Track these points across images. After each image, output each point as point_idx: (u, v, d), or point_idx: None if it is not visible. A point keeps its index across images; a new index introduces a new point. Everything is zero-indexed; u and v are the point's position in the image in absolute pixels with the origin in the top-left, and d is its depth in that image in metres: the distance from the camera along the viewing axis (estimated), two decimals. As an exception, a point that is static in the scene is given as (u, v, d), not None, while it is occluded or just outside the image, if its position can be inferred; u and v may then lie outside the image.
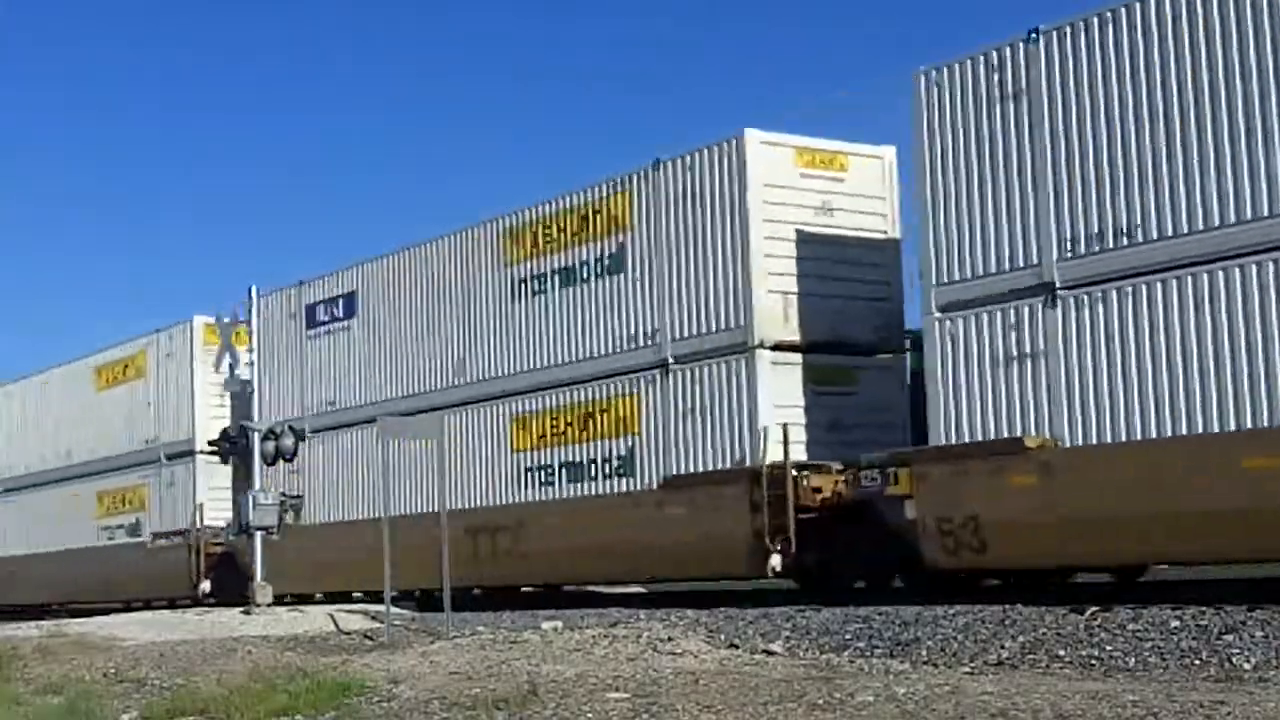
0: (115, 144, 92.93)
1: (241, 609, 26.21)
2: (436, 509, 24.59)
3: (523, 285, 23.32)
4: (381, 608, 21.35)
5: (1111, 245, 15.82)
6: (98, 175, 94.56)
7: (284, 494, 28.31)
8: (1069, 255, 16.17)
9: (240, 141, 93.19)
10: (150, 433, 32.88)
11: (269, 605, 26.20)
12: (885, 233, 20.72)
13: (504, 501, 23.42)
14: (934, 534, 16.92)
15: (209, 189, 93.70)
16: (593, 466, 21.86)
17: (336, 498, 27.24)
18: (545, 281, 22.88)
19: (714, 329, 20.14)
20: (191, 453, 31.24)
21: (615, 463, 21.50)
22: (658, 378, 20.92)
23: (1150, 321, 15.44)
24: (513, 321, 23.47)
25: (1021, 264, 16.60)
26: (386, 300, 26.30)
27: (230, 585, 29.24)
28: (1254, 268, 14.71)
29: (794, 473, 18.69)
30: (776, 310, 19.73)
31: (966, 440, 16.95)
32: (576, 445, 22.14)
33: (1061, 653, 13.19)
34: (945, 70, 17.46)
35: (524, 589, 26.88)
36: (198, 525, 30.61)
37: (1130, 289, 15.62)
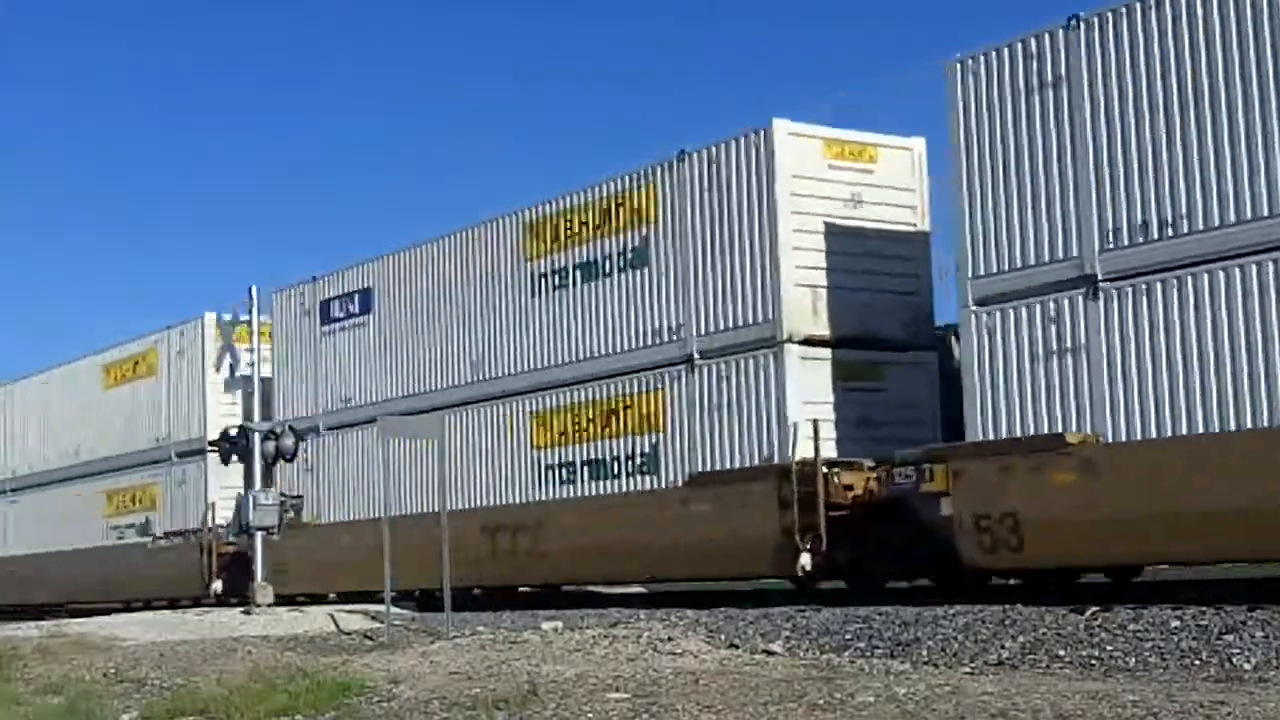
0: (115, 144, 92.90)
1: (242, 609, 26.14)
2: (455, 506, 24.40)
3: (543, 280, 22.95)
4: (383, 608, 21.13)
5: (1156, 236, 15.45)
6: (98, 175, 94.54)
7: (284, 494, 28.15)
8: (1111, 247, 15.81)
9: (240, 141, 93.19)
10: (160, 431, 32.50)
11: (269, 605, 26.13)
12: (914, 226, 20.34)
13: (523, 500, 23.06)
14: (971, 531, 16.56)
15: (209, 189, 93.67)
16: (615, 464, 21.49)
17: (351, 496, 26.84)
18: (566, 276, 22.51)
19: (741, 323, 19.77)
20: (203, 451, 30.78)
21: (638, 460, 21.13)
22: (682, 373, 20.55)
23: (1197, 314, 15.07)
24: (533, 317, 23.10)
25: (1061, 256, 16.24)
26: (403, 296, 25.93)
27: (243, 585, 28.85)
28: (1305, 258, 14.39)
29: (825, 469, 18.31)
30: (805, 304, 19.37)
31: (1004, 436, 16.59)
32: (598, 442, 21.77)
33: (1061, 653, 13.14)
34: (980, 59, 17.11)
35: (522, 589, 26.58)
36: (209, 524, 30.24)
37: (1175, 281, 15.25)
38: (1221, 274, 14.90)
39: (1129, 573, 18.20)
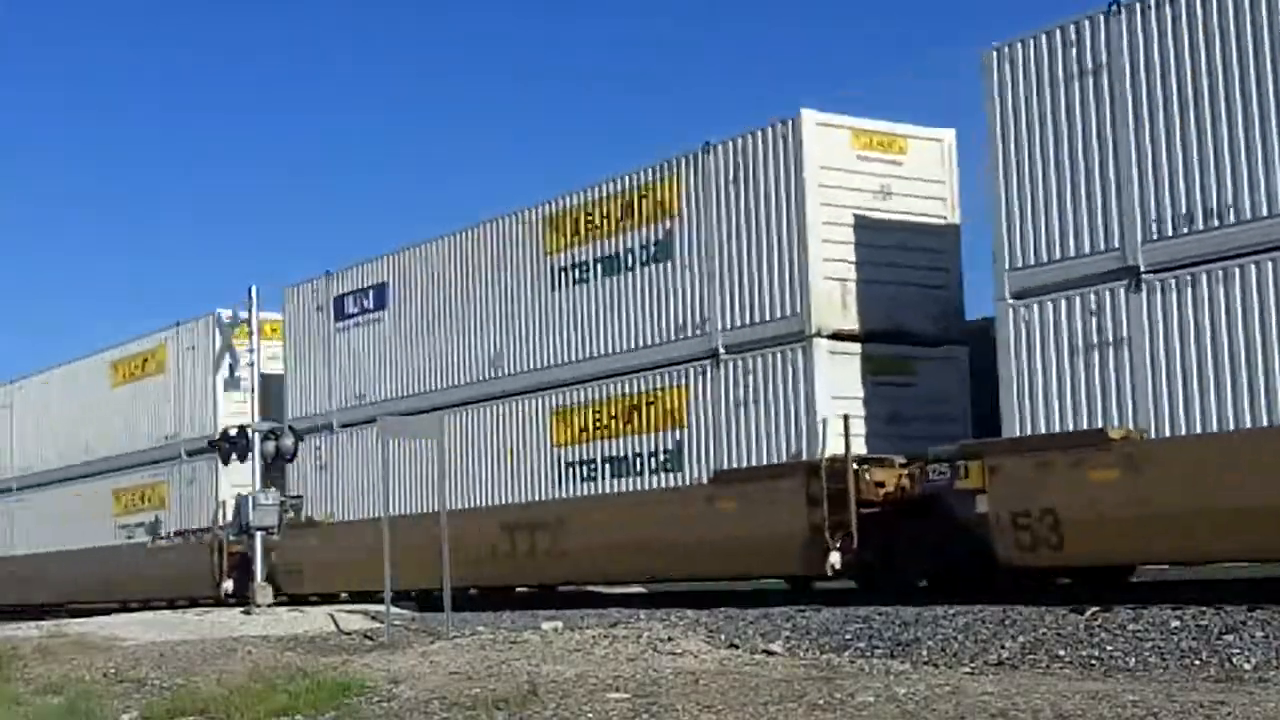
0: (115, 144, 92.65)
1: (242, 609, 25.96)
2: (462, 506, 24.02)
3: (563, 274, 22.58)
4: (383, 608, 20.99)
5: (1201, 226, 15.10)
6: (98, 175, 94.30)
7: (283, 494, 28.05)
8: (1154, 237, 15.45)
9: (240, 141, 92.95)
10: (169, 428, 32.15)
11: (269, 605, 26.04)
12: (944, 218, 19.97)
13: (543, 497, 22.69)
14: (1008, 529, 16.20)
15: (209, 189, 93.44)
16: (638, 461, 21.12)
17: (366, 494, 26.44)
18: (588, 270, 22.14)
19: (768, 317, 19.41)
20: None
21: (662, 456, 20.76)
22: (707, 368, 20.18)
23: (1243, 306, 14.71)
24: (553, 312, 22.73)
25: (1102, 247, 15.88)
26: (419, 291, 25.55)
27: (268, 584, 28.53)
28: (1357, 249, 14.04)
29: (855, 466, 17.94)
30: (834, 298, 19.01)
31: (1042, 432, 16.23)
32: (620, 439, 21.39)
33: (1061, 653, 13.09)
34: (1018, 47, 16.74)
35: (540, 588, 26.23)
36: (219, 523, 29.88)
37: (1221, 272, 14.89)
38: (1270, 264, 14.54)
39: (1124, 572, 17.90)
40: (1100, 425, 15.68)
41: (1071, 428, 15.98)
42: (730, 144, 19.98)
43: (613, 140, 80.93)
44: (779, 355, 19.21)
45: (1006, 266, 16.66)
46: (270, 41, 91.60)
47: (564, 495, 22.29)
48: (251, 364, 29.09)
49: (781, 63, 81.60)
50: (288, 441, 27.73)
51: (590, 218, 22.11)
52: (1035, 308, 16.40)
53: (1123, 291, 15.66)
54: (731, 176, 19.89)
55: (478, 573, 24.19)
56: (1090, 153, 16.02)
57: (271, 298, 30.61)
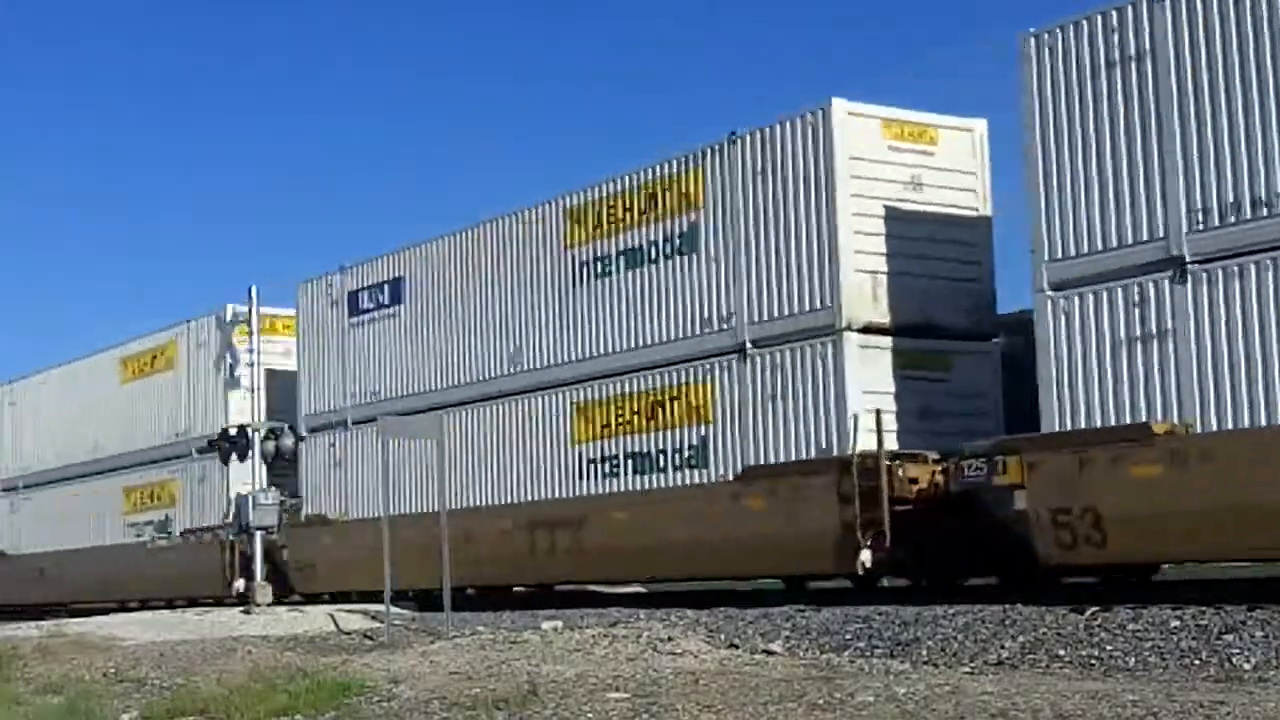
0: (115, 144, 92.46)
1: (242, 609, 25.88)
2: (480, 504, 23.66)
3: (585, 268, 22.19)
4: (376, 607, 21.06)
5: (1249, 216, 14.72)
6: (98, 175, 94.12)
7: (284, 496, 27.86)
8: (1200, 227, 15.07)
9: (240, 141, 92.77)
10: (180, 426, 31.75)
11: (269, 605, 26.02)
12: (976, 210, 19.60)
13: (563, 495, 22.31)
14: (1048, 526, 15.80)
15: (209, 189, 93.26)
16: (661, 457, 20.74)
17: (380, 492, 25.99)
18: (610, 263, 21.75)
19: (797, 310, 19.03)
20: (224, 446, 30.04)
21: (687, 453, 20.38)
22: (733, 363, 19.81)
23: (1294, 296, 14.35)
24: (574, 306, 22.34)
25: (1145, 237, 15.50)
26: (436, 286, 25.17)
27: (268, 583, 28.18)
28: None
29: (888, 462, 17.56)
30: (865, 290, 18.63)
31: (1083, 426, 15.85)
32: (644, 435, 21.00)
33: (1061, 653, 13.06)
34: (1056, 33, 16.36)
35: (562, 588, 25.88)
36: (229, 521, 29.47)
37: (1270, 262, 14.51)
38: (1321, 255, 14.18)
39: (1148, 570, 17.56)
40: (1143, 420, 15.30)
41: (1113, 422, 15.60)
42: (758, 134, 19.60)
43: (613, 140, 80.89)
44: (808, 349, 18.84)
45: (1045, 258, 16.28)
46: (270, 41, 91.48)
47: (585, 492, 21.91)
48: (252, 363, 28.90)
49: (781, 63, 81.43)
50: (288, 441, 27.73)
51: (612, 210, 21.73)
52: (1075, 300, 16.02)
53: (1167, 283, 15.28)
54: (759, 167, 19.51)
55: (496, 571, 23.88)
56: (1133, 141, 15.64)
57: (278, 296, 30.42)
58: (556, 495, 22.38)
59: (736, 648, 15.23)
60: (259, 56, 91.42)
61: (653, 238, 21.06)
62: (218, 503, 30.19)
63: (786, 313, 19.16)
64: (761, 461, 19.36)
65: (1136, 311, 15.51)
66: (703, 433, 20.15)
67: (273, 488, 28.27)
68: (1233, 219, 14.81)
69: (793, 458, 18.98)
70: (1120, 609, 13.99)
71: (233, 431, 28.42)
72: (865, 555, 17.72)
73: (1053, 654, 13.13)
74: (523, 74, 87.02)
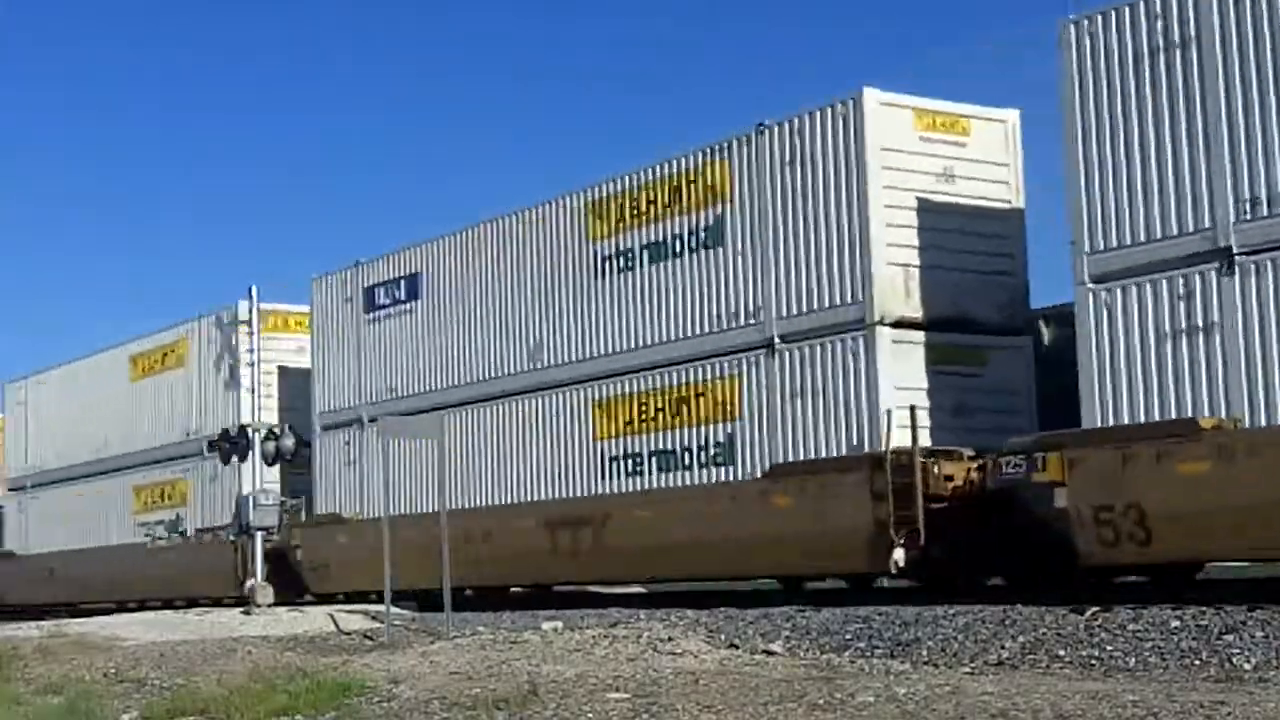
0: (115, 144, 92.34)
1: (242, 609, 25.84)
2: (499, 502, 23.30)
3: (607, 262, 21.80)
4: (383, 608, 20.93)
5: (1299, 205, 14.35)
6: (98, 175, 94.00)
7: (284, 496, 27.72)
8: (1248, 218, 14.70)
9: (240, 141, 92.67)
10: (192, 424, 31.36)
11: (269, 605, 25.99)
12: (1009, 202, 19.21)
13: (583, 493, 21.92)
14: (1090, 525, 15.42)
15: (209, 189, 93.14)
16: (686, 454, 20.35)
17: (397, 490, 25.63)
18: (633, 257, 21.36)
19: (827, 304, 18.64)
20: (236, 444, 29.65)
21: (712, 450, 19.99)
22: (761, 358, 19.42)
23: (1347, 288, 13.97)
24: (596, 301, 21.96)
25: (1191, 228, 15.12)
26: (453, 281, 24.78)
27: (281, 584, 27.83)
28: None
29: (923, 459, 17.17)
30: (897, 284, 18.25)
31: (1126, 422, 15.46)
32: (668, 432, 20.62)
33: (1062, 653, 13.03)
34: (1098, 20, 15.99)
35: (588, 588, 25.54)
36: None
37: (1322, 253, 14.16)
38: (1376, 245, 13.80)
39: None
40: (1190, 415, 14.91)
41: (1157, 418, 15.22)
42: (786, 125, 19.22)
43: (613, 140, 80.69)
44: (838, 344, 18.46)
45: (1086, 250, 15.91)
46: (270, 41, 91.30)
47: (607, 490, 21.53)
48: (252, 363, 28.60)
49: (781, 62, 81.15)
50: (288, 441, 27.61)
51: (635, 203, 21.35)
52: (1118, 292, 15.66)
53: (1214, 274, 14.91)
54: (788, 158, 19.13)
55: (516, 571, 23.53)
56: (1178, 129, 15.26)
57: (291, 292, 30.09)
58: (578, 493, 22.00)
59: (736, 648, 15.17)
60: (259, 56, 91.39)
61: (677, 231, 20.67)
62: (230, 502, 29.80)
63: (816, 307, 18.78)
64: (790, 459, 18.97)
65: (1182, 305, 15.14)
66: (729, 429, 19.77)
67: (273, 488, 28.11)
68: (1282, 209, 14.45)
69: (822, 455, 18.60)
70: (1120, 609, 13.92)
71: (233, 432, 28.30)
72: (898, 554, 17.32)
73: (1053, 654, 13.06)
74: (523, 74, 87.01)
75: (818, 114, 18.83)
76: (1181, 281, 15.13)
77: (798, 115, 19.09)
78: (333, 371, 27.46)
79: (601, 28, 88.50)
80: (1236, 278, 14.71)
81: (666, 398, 20.70)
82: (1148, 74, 15.53)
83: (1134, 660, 12.49)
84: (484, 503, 23.66)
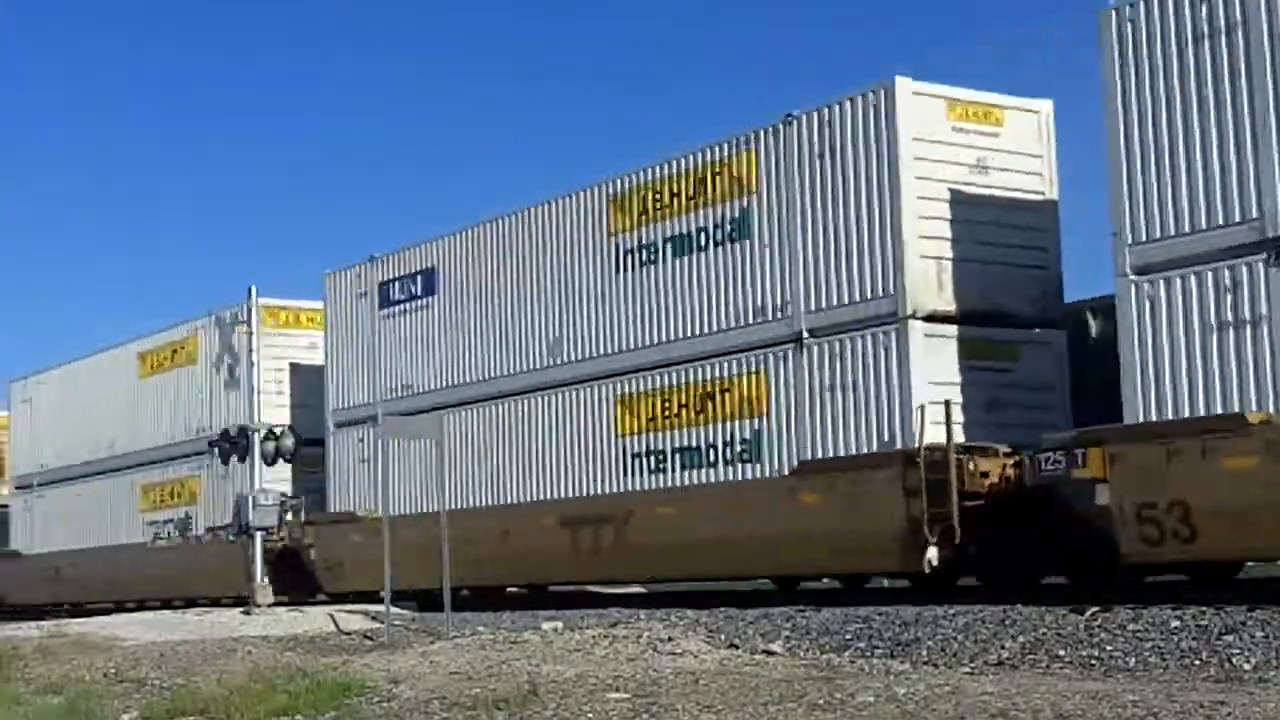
0: (115, 144, 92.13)
1: (242, 609, 25.76)
2: (518, 500, 22.95)
3: (629, 256, 21.45)
4: (382, 608, 20.88)
5: (1352, 195, 13.99)
6: (98, 175, 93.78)
7: (284, 495, 27.66)
8: (1298, 206, 14.34)
9: (240, 141, 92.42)
10: (203, 421, 30.97)
11: (269, 605, 25.90)
12: (1042, 193, 18.86)
13: (605, 490, 21.56)
14: (1131, 522, 15.06)
15: (209, 189, 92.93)
16: (712, 451, 19.99)
17: (413, 487, 25.30)
18: (656, 251, 21.01)
19: (857, 298, 18.29)
20: (248, 442, 29.29)
21: (739, 447, 19.63)
22: (789, 353, 19.06)
23: (1402, 279, 13.62)
24: (618, 295, 21.60)
25: (1238, 218, 14.75)
26: (471, 276, 24.42)
27: (293, 583, 27.50)
28: None
29: (958, 455, 16.81)
30: (930, 277, 17.89)
31: (1170, 416, 15.10)
32: (693, 428, 20.26)
33: (1061, 653, 13.03)
34: (1139, 6, 15.61)
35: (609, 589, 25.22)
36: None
37: (1376, 243, 13.81)
38: None
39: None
40: (1236, 409, 14.56)
41: (1202, 412, 14.86)
42: (815, 115, 18.86)
43: (613, 140, 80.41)
44: (869, 338, 18.11)
45: (1129, 241, 15.54)
46: (270, 41, 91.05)
47: (629, 488, 21.17)
48: (252, 363, 28.30)
49: (781, 62, 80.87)
50: (288, 441, 27.53)
51: (659, 196, 20.99)
52: (1161, 284, 15.28)
53: (1261, 266, 14.54)
54: (817, 149, 18.77)
55: (536, 570, 23.18)
56: (1224, 117, 14.89)
57: (303, 288, 29.74)
58: (599, 491, 21.64)
59: (737, 648, 15.14)
60: (259, 56, 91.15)
61: (702, 224, 20.33)
62: (240, 501, 29.44)
63: (846, 301, 18.43)
64: (817, 456, 18.62)
65: (1228, 297, 14.77)
66: (756, 426, 19.42)
67: (284, 487, 28.05)
68: (1334, 198, 14.09)
69: (851, 452, 18.26)
70: (1120, 609, 13.83)
71: (232, 432, 28.22)
72: (932, 552, 16.99)
73: (1053, 654, 13.01)
74: (523, 74, 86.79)
75: (848, 103, 18.48)
76: (1227, 273, 14.76)
77: (827, 105, 18.74)
78: (347, 368, 27.11)
79: (601, 28, 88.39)
80: (1285, 268, 14.36)
81: (691, 393, 20.35)
82: (1192, 61, 15.16)
83: (1134, 660, 12.44)
84: (502, 501, 23.28)
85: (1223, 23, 14.93)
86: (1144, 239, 15.45)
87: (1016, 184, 18.64)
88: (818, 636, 15.16)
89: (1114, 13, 15.79)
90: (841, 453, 18.36)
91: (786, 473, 18.93)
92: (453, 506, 24.02)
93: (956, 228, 18.10)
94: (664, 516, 20.40)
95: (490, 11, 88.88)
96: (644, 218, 21.20)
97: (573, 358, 22.36)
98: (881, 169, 18.03)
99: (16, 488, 39.35)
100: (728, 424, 19.77)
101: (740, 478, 19.52)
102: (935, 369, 17.75)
